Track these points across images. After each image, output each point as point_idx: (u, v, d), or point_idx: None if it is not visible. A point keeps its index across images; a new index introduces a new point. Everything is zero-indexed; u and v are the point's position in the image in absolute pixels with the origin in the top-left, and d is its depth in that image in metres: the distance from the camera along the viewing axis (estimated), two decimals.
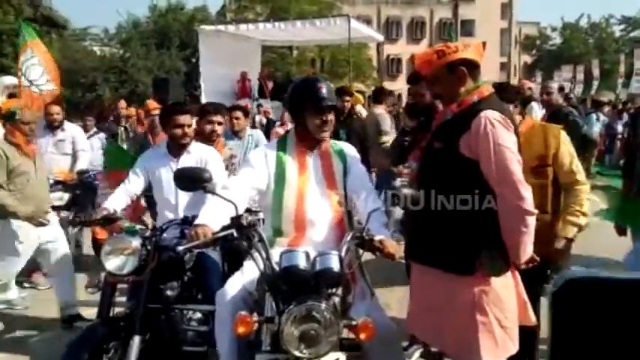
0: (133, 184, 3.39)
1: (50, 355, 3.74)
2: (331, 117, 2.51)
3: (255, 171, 2.49)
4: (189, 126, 3.44)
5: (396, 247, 2.21)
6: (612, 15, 40.09)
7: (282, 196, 2.47)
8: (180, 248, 2.11)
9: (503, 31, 43.56)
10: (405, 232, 2.42)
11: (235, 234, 2.05)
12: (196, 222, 2.24)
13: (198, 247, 2.12)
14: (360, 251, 2.27)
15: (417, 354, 3.15)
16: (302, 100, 2.52)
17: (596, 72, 24.01)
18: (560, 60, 30.75)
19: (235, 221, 2.06)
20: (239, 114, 5.18)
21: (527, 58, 43.48)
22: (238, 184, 2.45)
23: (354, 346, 2.06)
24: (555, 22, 49.50)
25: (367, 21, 23.45)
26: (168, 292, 2.84)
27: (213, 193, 2.22)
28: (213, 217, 2.23)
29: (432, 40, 43.40)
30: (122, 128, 8.41)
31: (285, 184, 2.48)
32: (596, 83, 23.86)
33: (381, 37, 17.71)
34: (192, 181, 2.24)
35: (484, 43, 2.54)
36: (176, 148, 3.44)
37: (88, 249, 5.98)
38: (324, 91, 2.50)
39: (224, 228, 2.09)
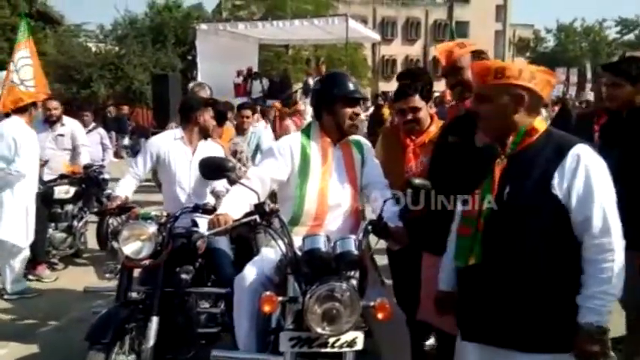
0: (140, 168, 3.56)
1: (57, 345, 3.83)
2: (360, 110, 2.63)
3: (277, 162, 2.59)
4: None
5: (407, 236, 2.33)
6: (605, 19, 40.43)
7: (305, 185, 2.57)
8: (206, 233, 2.22)
9: (497, 33, 43.82)
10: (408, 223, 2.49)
11: (258, 220, 2.16)
12: (218, 211, 2.35)
13: (221, 233, 2.23)
14: (372, 242, 2.39)
15: (431, 339, 3.26)
16: (333, 93, 2.61)
17: (589, 75, 24.25)
18: (554, 62, 31.00)
19: (258, 208, 2.17)
20: (248, 112, 5.36)
21: (522, 62, 43.92)
22: (259, 174, 2.57)
23: (365, 332, 2.17)
24: (549, 25, 49.98)
25: (363, 21, 23.49)
26: (183, 276, 2.97)
27: (237, 182, 2.34)
28: (234, 206, 2.34)
29: (426, 41, 43.57)
30: None
31: (309, 175, 2.58)
32: (589, 86, 24.10)
33: (378, 38, 17.79)
34: (217, 169, 2.35)
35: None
36: (197, 138, 3.60)
37: (91, 243, 6.08)
38: (354, 84, 2.63)
39: (247, 214, 2.20)
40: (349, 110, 2.59)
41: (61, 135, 5.89)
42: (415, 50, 43.66)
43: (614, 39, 40.12)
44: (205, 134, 3.64)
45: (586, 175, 1.85)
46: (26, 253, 4.86)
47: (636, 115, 2.96)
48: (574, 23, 40.51)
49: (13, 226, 4.71)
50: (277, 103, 10.91)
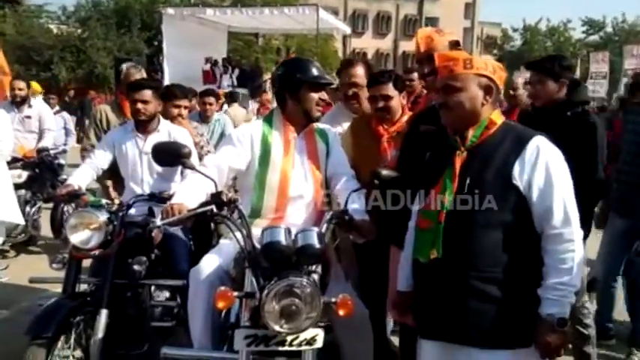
0: (99, 159, 3.38)
1: (1, 337, 3.63)
2: (326, 96, 2.51)
3: (236, 150, 2.46)
4: (147, 102, 3.35)
5: (374, 229, 2.23)
6: (570, 20, 41.33)
7: (265, 176, 2.45)
8: (159, 223, 2.08)
9: (466, 30, 44.32)
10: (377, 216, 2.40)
11: (215, 210, 2.03)
12: (172, 200, 2.20)
13: (174, 223, 2.08)
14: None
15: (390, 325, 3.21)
16: (298, 79, 2.48)
17: None
18: (520, 61, 31.52)
19: (215, 197, 2.04)
20: (212, 99, 5.20)
21: (488, 58, 44.61)
22: (217, 162, 2.43)
23: (326, 328, 2.08)
24: (516, 24, 50.87)
25: (334, 13, 23.42)
26: (136, 268, 2.82)
27: (193, 168, 2.20)
28: (189, 195, 2.20)
29: (397, 36, 43.77)
30: None
31: (270, 164, 2.45)
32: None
33: (348, 29, 17.76)
34: (171, 155, 2.21)
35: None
36: (141, 125, 3.39)
37: (45, 231, 5.82)
38: (319, 69, 2.51)
39: (203, 204, 2.07)
40: (315, 96, 2.47)
41: (28, 117, 5.71)
42: (386, 44, 43.82)
43: (579, 39, 41.06)
44: (138, 121, 3.36)
45: (546, 166, 1.85)
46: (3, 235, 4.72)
47: (561, 109, 3.07)
48: (539, 23, 41.30)
49: (4, 203, 4.53)
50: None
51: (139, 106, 3.32)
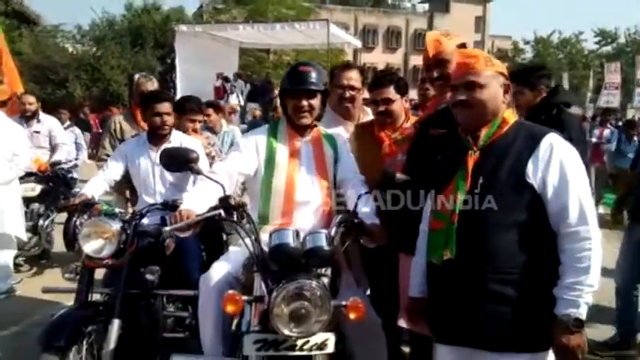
0: (112, 171, 3.40)
1: (15, 350, 3.63)
2: (307, 102, 2.47)
3: (243, 156, 2.47)
4: (169, 114, 3.39)
5: (385, 234, 2.20)
6: (582, 32, 41.25)
7: (271, 181, 2.45)
8: (168, 229, 2.06)
9: (476, 44, 44.29)
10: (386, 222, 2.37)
11: (223, 214, 2.02)
12: (181, 206, 2.20)
13: (183, 229, 2.07)
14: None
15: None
16: (283, 86, 2.54)
17: (566, 86, 24.57)
18: None
19: (223, 202, 2.03)
20: (210, 111, 5.25)
21: None
22: (225, 168, 2.43)
23: (339, 335, 2.05)
24: (527, 37, 50.83)
25: (345, 28, 23.55)
26: (148, 277, 2.80)
27: (200, 173, 2.19)
28: (198, 201, 2.20)
29: (407, 50, 43.88)
30: None
31: (275, 170, 2.46)
32: None
33: (359, 43, 17.89)
34: (179, 161, 2.21)
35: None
36: (156, 137, 3.41)
37: (59, 245, 5.84)
38: (303, 75, 2.48)
39: (212, 209, 2.06)
40: (292, 102, 2.49)
41: (37, 132, 5.74)
42: (396, 58, 43.89)
43: (591, 50, 40.85)
44: (158, 134, 3.40)
45: (560, 164, 1.83)
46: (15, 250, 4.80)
47: (537, 113, 3.17)
48: (552, 36, 41.20)
49: (15, 218, 4.64)
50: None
51: (165, 118, 3.36)
